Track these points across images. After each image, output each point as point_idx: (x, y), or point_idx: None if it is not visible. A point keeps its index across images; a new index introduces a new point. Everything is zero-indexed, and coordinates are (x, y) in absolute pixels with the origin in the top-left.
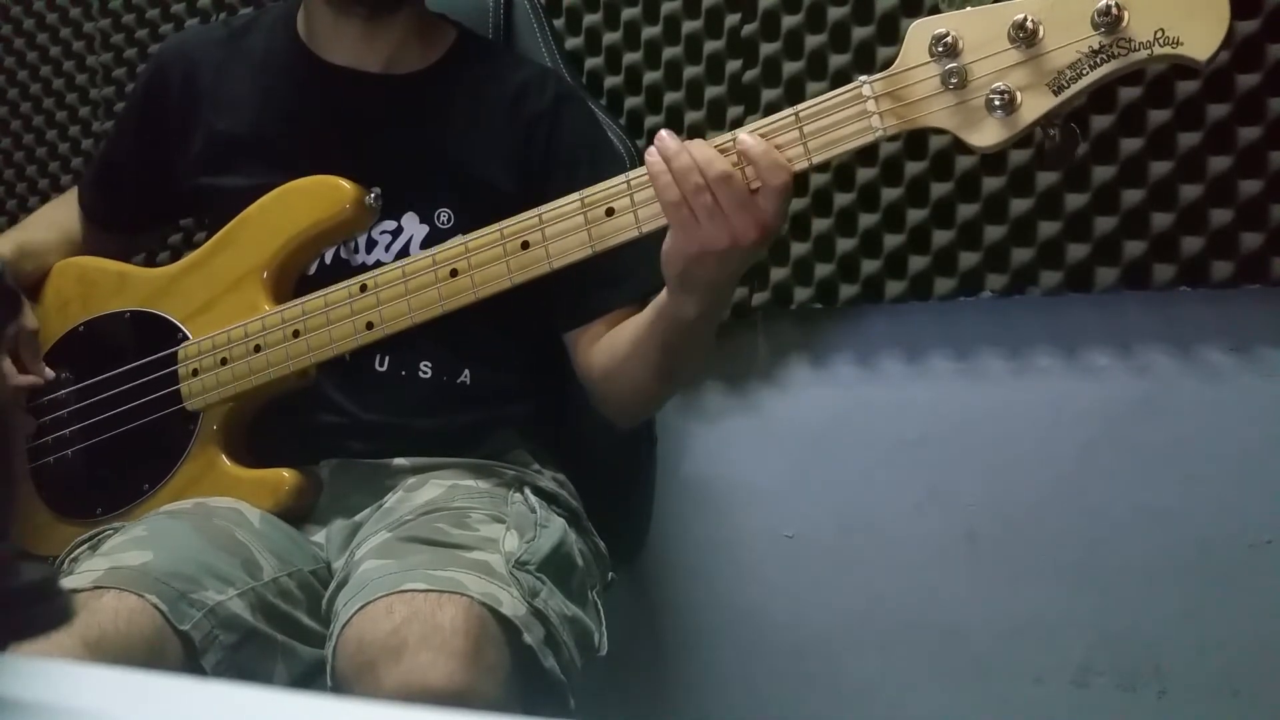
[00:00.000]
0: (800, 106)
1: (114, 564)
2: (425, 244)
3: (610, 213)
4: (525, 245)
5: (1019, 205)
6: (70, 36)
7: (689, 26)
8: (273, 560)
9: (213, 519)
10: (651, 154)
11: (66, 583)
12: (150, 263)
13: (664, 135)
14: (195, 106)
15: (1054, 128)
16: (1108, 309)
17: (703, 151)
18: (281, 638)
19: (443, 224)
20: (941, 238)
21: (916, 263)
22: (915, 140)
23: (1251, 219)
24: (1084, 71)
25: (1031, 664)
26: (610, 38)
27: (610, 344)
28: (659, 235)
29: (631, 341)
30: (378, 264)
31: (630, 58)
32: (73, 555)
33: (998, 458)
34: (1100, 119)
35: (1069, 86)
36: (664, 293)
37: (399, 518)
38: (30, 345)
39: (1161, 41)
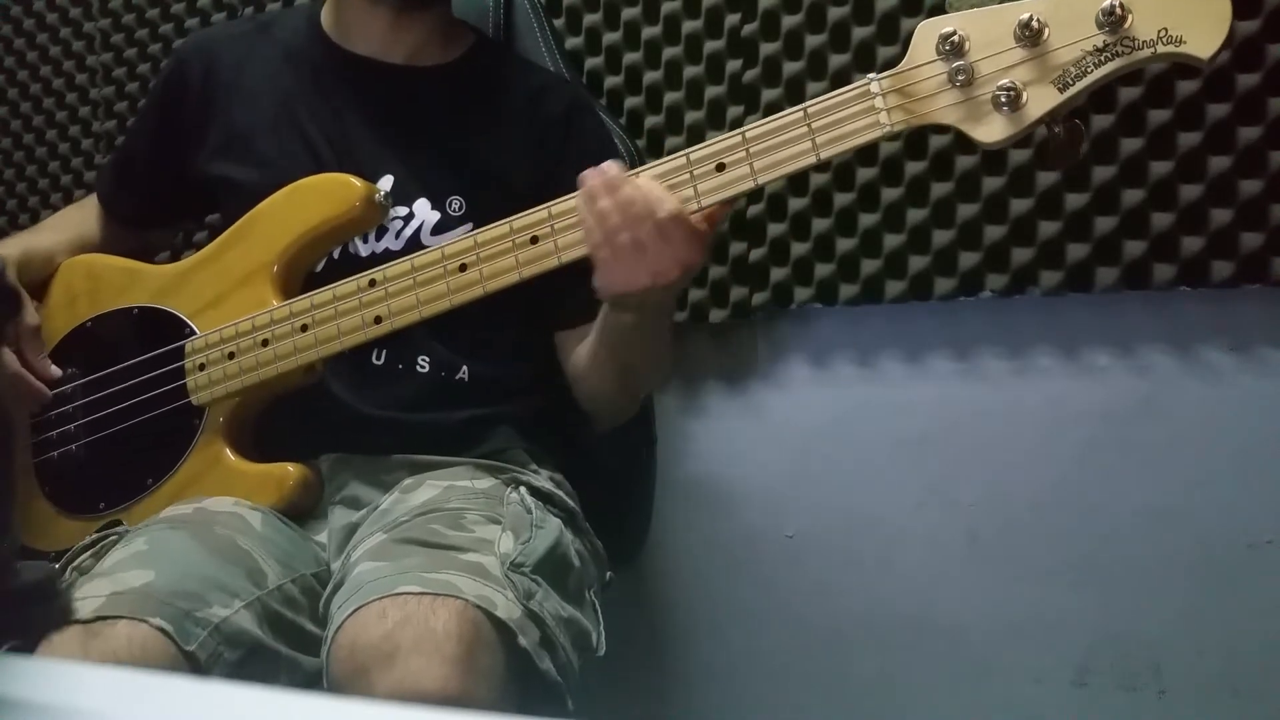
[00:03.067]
0: (809, 103)
1: (116, 587)
2: (436, 230)
3: None
4: (534, 240)
5: (1019, 205)
6: (70, 36)
7: (689, 26)
8: (276, 567)
9: (214, 527)
10: (579, 198)
11: (70, 604)
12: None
13: (589, 182)
14: (215, 99)
15: (1058, 124)
16: (1108, 309)
17: (624, 191)
18: (286, 651)
19: (454, 211)
20: (941, 238)
21: (916, 263)
22: (915, 140)
23: (1251, 219)
24: (1089, 69)
25: (1031, 664)
26: (610, 38)
27: (581, 349)
28: None
29: (591, 349)
30: (386, 251)
31: (630, 58)
32: (75, 564)
33: (998, 458)
34: (1100, 119)
35: (1074, 84)
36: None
37: (395, 519)
38: (33, 342)
39: (1165, 40)
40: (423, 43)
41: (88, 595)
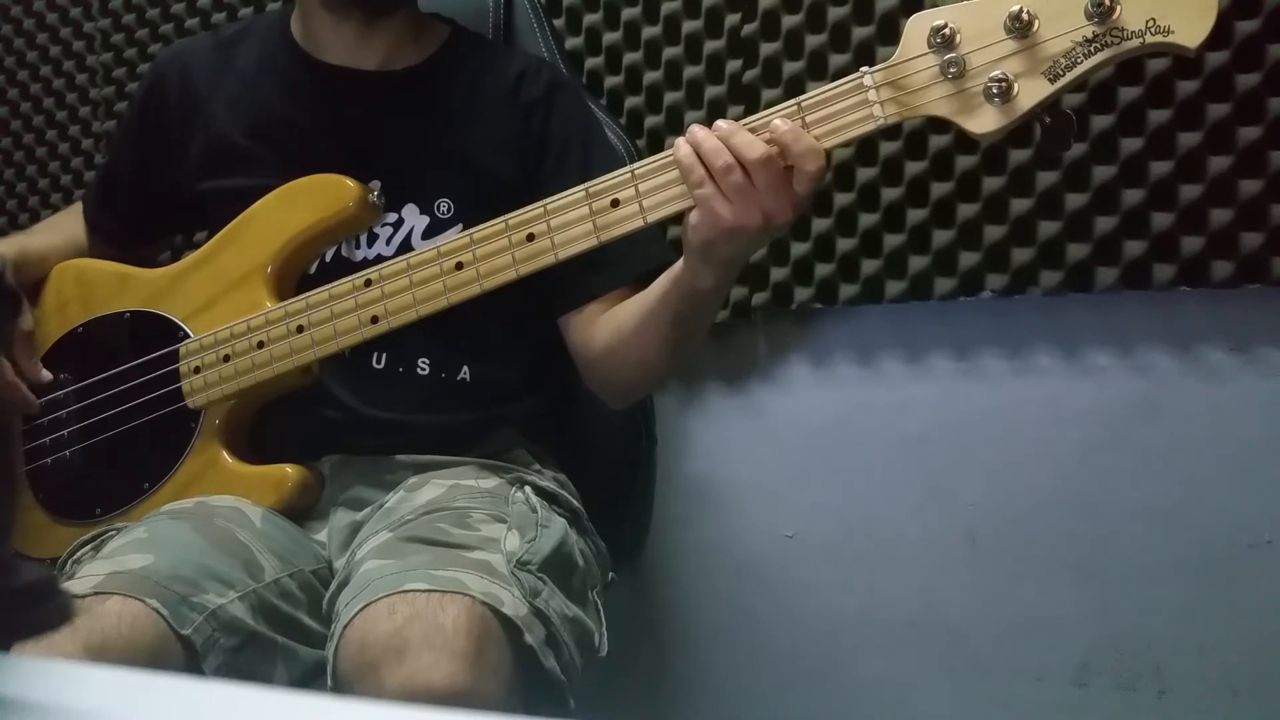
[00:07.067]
0: (803, 97)
1: (115, 568)
2: (426, 234)
3: (615, 204)
4: (530, 237)
5: (1019, 205)
6: (70, 36)
7: (689, 26)
8: (274, 561)
9: (214, 520)
10: (680, 143)
11: (68, 586)
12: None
13: (694, 127)
14: (193, 112)
15: (1049, 115)
16: (1108, 309)
17: (739, 136)
18: (282, 640)
19: (443, 214)
20: (941, 238)
21: (916, 263)
22: (915, 140)
23: (1251, 219)
24: (1079, 60)
25: (1031, 664)
26: (610, 38)
27: (614, 320)
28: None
29: (639, 315)
30: (378, 257)
31: (630, 58)
32: (75, 557)
33: (998, 458)
34: (1100, 119)
35: (1064, 74)
36: (679, 265)
37: (400, 517)
38: (24, 347)
39: (1153, 30)
40: (394, 46)
41: (86, 575)
